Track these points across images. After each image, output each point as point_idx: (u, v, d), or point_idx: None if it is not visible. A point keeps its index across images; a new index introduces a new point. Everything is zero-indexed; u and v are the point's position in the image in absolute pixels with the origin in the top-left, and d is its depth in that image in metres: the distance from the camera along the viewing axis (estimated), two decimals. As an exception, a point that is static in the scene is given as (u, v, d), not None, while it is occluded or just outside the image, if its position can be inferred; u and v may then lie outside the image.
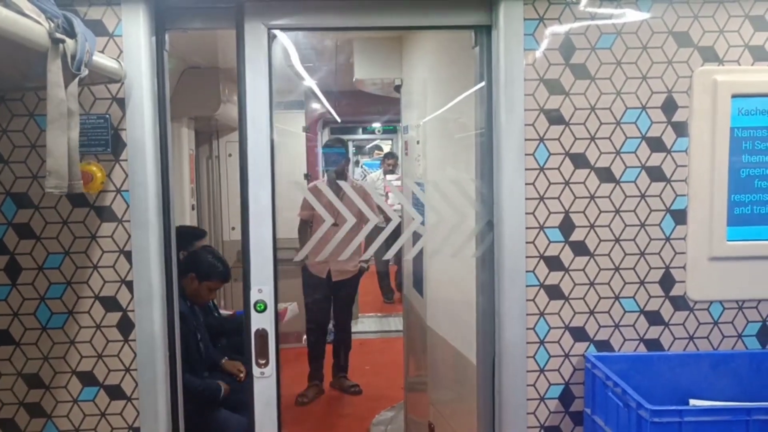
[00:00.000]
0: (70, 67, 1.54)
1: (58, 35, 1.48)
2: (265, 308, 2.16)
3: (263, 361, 2.18)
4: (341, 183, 3.01)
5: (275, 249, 2.17)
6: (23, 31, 1.36)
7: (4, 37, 1.31)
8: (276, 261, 2.17)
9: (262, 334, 2.17)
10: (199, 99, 4.46)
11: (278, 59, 4.33)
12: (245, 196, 2.14)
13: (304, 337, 5.33)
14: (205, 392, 3.26)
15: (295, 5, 2.12)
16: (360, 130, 11.34)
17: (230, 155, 5.91)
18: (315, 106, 6.82)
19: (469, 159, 2.36)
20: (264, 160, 2.15)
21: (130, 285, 2.07)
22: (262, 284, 2.16)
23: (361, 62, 3.81)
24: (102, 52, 1.94)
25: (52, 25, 1.48)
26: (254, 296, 2.16)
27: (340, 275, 5.06)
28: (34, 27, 1.42)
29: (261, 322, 2.17)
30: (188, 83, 4.28)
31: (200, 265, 3.38)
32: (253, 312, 2.16)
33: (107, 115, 2.02)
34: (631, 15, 2.09)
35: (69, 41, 1.53)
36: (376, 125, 10.52)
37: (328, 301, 5.20)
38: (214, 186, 5.89)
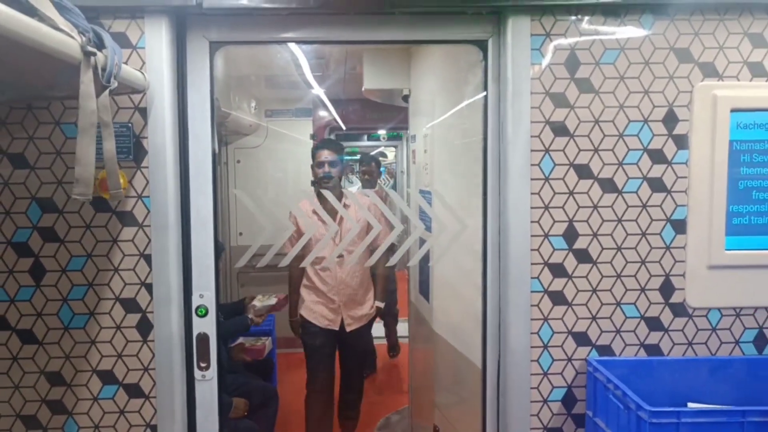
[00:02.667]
0: (101, 79, 1.61)
1: (90, 48, 1.55)
2: (207, 313, 2.23)
3: (204, 365, 2.24)
4: (329, 196, 2.73)
5: (217, 256, 2.25)
6: (57, 45, 1.43)
7: (40, 50, 1.38)
8: (218, 268, 2.26)
9: (203, 338, 2.23)
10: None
11: (290, 67, 4.41)
12: (186, 205, 2.21)
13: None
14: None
15: (237, 20, 2.18)
16: (365, 137, 11.38)
17: (239, 162, 5.96)
18: (322, 113, 6.90)
19: (475, 168, 2.43)
20: (205, 171, 2.22)
21: (149, 287, 2.14)
22: (203, 290, 2.23)
23: (370, 72, 3.88)
24: (126, 63, 2.01)
25: (84, 39, 1.56)
26: (195, 301, 2.23)
27: (356, 322, 4.06)
28: (68, 41, 1.49)
29: (202, 326, 2.24)
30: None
31: None
32: (194, 317, 2.23)
33: (130, 124, 2.09)
34: (633, 31, 2.15)
35: (99, 54, 1.60)
36: (381, 132, 10.57)
37: (333, 359, 4.21)
38: (223, 192, 5.95)
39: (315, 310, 4.01)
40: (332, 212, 3.21)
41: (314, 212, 3.03)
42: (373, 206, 3.39)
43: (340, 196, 3.89)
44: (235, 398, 3.64)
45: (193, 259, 2.22)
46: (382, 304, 4.21)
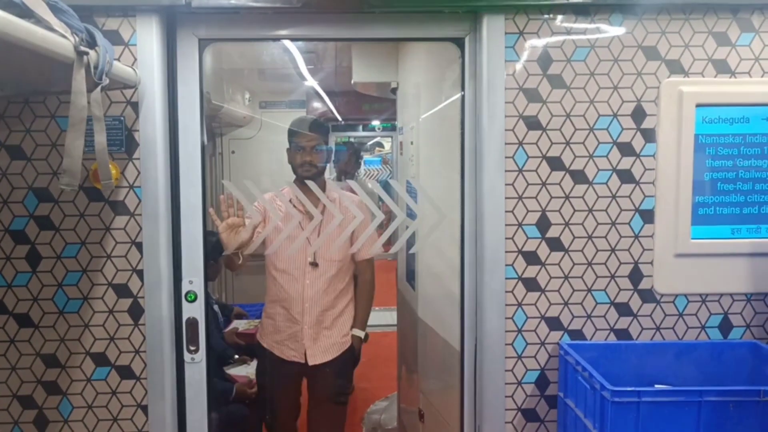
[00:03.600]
0: (93, 77, 1.70)
1: (83, 48, 1.64)
2: (196, 298, 2.32)
3: (194, 348, 2.33)
4: (312, 187, 2.58)
5: (205, 243, 2.34)
6: (52, 45, 1.52)
7: (35, 51, 1.48)
8: (206, 254, 2.34)
9: (192, 323, 2.32)
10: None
11: (284, 60, 4.45)
12: (176, 195, 2.29)
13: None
14: (218, 393, 3.45)
15: (225, 18, 2.27)
16: (360, 128, 11.42)
17: (233, 152, 6.01)
18: (316, 104, 6.95)
19: (458, 160, 2.51)
20: (195, 163, 2.31)
21: (140, 273, 2.23)
22: (192, 276, 2.32)
23: (358, 66, 3.95)
24: (118, 59, 2.10)
25: (77, 39, 1.64)
26: (185, 287, 2.32)
27: (324, 354, 3.10)
28: (62, 41, 1.58)
29: (192, 311, 2.33)
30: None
31: None
32: (184, 302, 2.32)
33: (122, 117, 2.18)
34: (603, 30, 2.24)
35: (92, 53, 1.68)
36: (376, 123, 10.61)
37: (297, 405, 3.35)
38: (218, 182, 6.00)
39: (277, 339, 3.13)
40: (312, 205, 2.70)
41: (291, 203, 2.84)
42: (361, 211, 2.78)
43: (323, 187, 2.95)
44: (238, 383, 3.73)
45: (183, 247, 2.31)
46: (362, 334, 3.19)
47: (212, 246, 3.59)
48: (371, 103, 6.69)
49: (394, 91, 4.10)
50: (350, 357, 3.17)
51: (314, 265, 3.01)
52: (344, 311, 3.12)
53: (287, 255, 3.01)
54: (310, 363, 3.07)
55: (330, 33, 2.32)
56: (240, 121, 5.62)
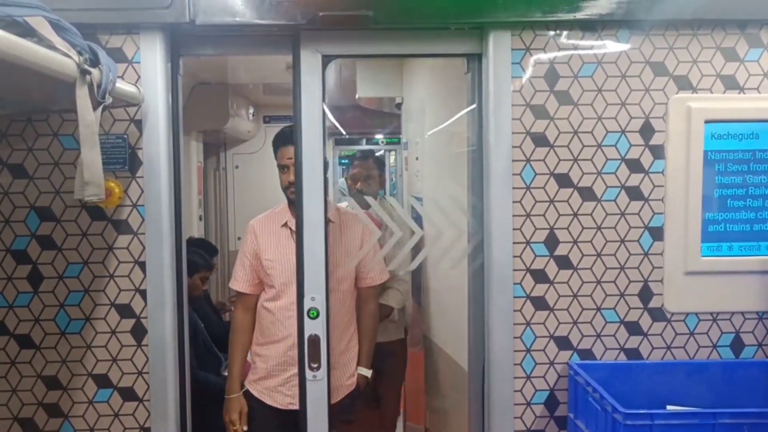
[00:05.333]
0: (96, 96, 1.69)
1: (86, 67, 1.63)
2: (318, 315, 2.30)
3: (315, 365, 2.31)
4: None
5: (327, 260, 2.30)
6: (54, 65, 1.51)
7: (37, 71, 1.46)
8: (327, 271, 2.31)
9: (314, 340, 2.30)
10: (208, 113, 4.59)
11: (288, 75, 4.44)
12: (301, 211, 2.28)
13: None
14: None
15: (346, 35, 2.27)
16: (363, 141, 11.39)
17: (237, 167, 6.02)
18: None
19: (463, 176, 2.49)
20: (317, 178, 2.28)
21: (143, 293, 2.20)
22: (314, 293, 2.30)
23: (363, 81, 3.95)
24: (122, 77, 2.09)
25: (81, 58, 1.64)
26: (307, 304, 2.30)
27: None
28: (64, 60, 1.56)
29: (314, 328, 2.31)
30: (198, 98, 4.41)
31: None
32: (306, 318, 2.30)
33: (125, 135, 2.17)
34: (610, 46, 2.22)
35: (95, 72, 1.67)
36: (379, 137, 10.59)
37: None
38: (221, 197, 6.01)
39: (270, 386, 2.68)
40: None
41: (287, 227, 2.64)
42: (366, 235, 2.67)
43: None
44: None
45: (305, 263, 2.29)
46: (368, 373, 2.81)
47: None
48: (375, 117, 6.69)
49: (399, 106, 4.10)
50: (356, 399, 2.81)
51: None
52: (349, 347, 2.74)
53: (289, 289, 2.57)
54: None
55: (337, 50, 2.31)
56: (244, 135, 5.62)
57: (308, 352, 2.31)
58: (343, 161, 12.28)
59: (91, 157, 1.68)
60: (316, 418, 2.33)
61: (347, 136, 8.51)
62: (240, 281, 2.71)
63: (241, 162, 6.00)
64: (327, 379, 2.33)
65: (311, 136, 2.28)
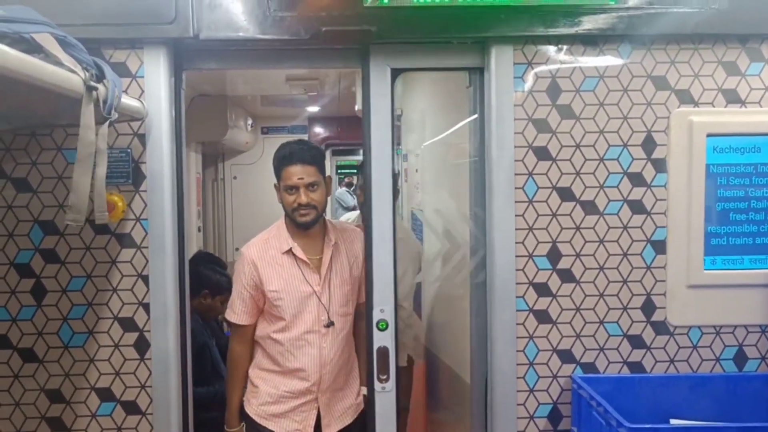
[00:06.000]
0: (102, 111, 1.69)
1: (92, 84, 1.63)
2: (387, 327, 2.31)
3: (384, 377, 2.32)
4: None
5: (395, 272, 2.31)
6: (61, 81, 1.51)
7: (44, 87, 1.46)
8: (396, 283, 2.32)
9: (383, 351, 2.31)
10: (207, 125, 4.58)
11: (286, 87, 4.45)
12: (369, 223, 2.29)
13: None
14: (216, 396, 3.25)
15: (415, 48, 2.28)
16: (361, 152, 11.32)
17: (235, 178, 6.02)
18: (318, 130, 6.96)
19: (463, 189, 2.50)
20: (386, 190, 2.30)
21: (146, 307, 2.20)
22: (383, 304, 2.31)
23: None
24: (125, 92, 2.09)
25: (87, 74, 1.64)
26: (377, 315, 2.31)
27: (339, 421, 2.54)
28: (71, 77, 1.56)
29: (383, 339, 2.32)
30: (197, 110, 4.40)
31: (211, 282, 3.50)
32: (375, 330, 2.31)
33: (129, 150, 2.17)
34: (612, 60, 2.24)
35: (101, 88, 1.67)
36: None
37: None
38: (219, 208, 6.01)
39: (275, 412, 2.49)
40: (315, 251, 2.47)
41: (290, 253, 2.44)
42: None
43: (324, 228, 2.55)
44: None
45: (375, 275, 2.30)
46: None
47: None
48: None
49: (398, 117, 4.10)
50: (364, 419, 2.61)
51: (330, 324, 2.45)
52: (353, 365, 2.61)
53: (299, 319, 2.43)
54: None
55: (333, 64, 2.35)
56: (242, 146, 5.63)
57: (377, 364, 2.31)
58: (340, 171, 12.27)
59: (82, 180, 1.65)
60: (385, 429, 2.34)
61: (344, 147, 8.52)
62: (239, 314, 2.48)
63: (239, 173, 6.00)
64: (395, 390, 2.33)
65: (381, 149, 2.30)
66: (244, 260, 2.46)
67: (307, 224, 2.41)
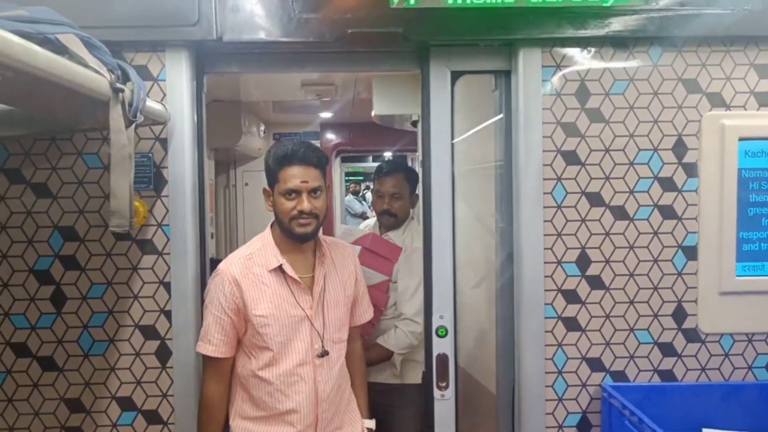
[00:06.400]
0: (128, 114, 1.66)
1: (119, 85, 1.61)
2: (446, 333, 2.28)
3: (443, 384, 2.28)
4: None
5: (455, 278, 2.28)
6: (87, 82, 1.49)
7: (70, 88, 1.43)
8: (455, 289, 2.29)
9: (443, 358, 2.27)
10: (222, 131, 4.54)
11: (299, 93, 4.42)
12: (428, 228, 2.26)
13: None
14: None
15: (472, 51, 2.25)
16: (370, 158, 11.34)
17: (246, 184, 6.00)
18: (330, 136, 6.94)
19: (487, 194, 2.46)
20: (446, 194, 2.28)
21: (168, 314, 2.16)
22: (443, 311, 2.28)
23: (380, 99, 3.91)
24: (147, 95, 2.06)
25: (113, 76, 1.61)
26: (436, 322, 2.28)
27: None
28: (98, 78, 1.54)
29: (442, 346, 2.29)
30: (212, 116, 4.36)
31: None
32: (434, 337, 2.27)
33: (150, 154, 2.14)
34: (642, 63, 2.20)
35: (127, 90, 1.65)
36: (387, 154, 10.58)
37: None
38: (231, 214, 5.99)
39: None
40: (304, 274, 2.13)
41: (279, 271, 2.08)
42: (358, 272, 2.30)
43: (316, 243, 2.21)
44: None
45: (434, 281, 2.28)
46: (372, 423, 2.34)
47: None
48: (387, 134, 6.67)
49: (415, 123, 4.06)
50: None
51: (324, 354, 2.11)
52: (350, 398, 2.28)
53: (288, 349, 2.08)
54: None
55: (358, 68, 2.33)
56: (255, 152, 5.61)
57: (436, 371, 2.27)
58: (348, 179, 12.26)
59: (121, 185, 1.64)
60: None
61: (354, 154, 8.49)
62: (217, 345, 2.06)
63: (250, 179, 5.99)
64: (455, 397, 2.30)
65: (440, 152, 2.28)
66: (224, 279, 2.05)
67: (306, 236, 2.07)
